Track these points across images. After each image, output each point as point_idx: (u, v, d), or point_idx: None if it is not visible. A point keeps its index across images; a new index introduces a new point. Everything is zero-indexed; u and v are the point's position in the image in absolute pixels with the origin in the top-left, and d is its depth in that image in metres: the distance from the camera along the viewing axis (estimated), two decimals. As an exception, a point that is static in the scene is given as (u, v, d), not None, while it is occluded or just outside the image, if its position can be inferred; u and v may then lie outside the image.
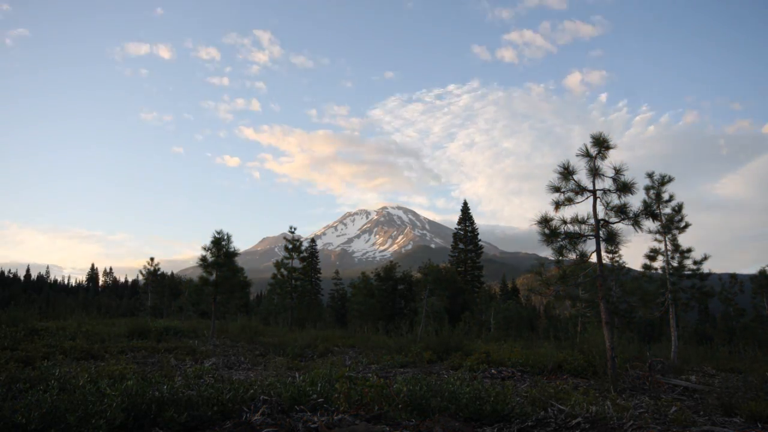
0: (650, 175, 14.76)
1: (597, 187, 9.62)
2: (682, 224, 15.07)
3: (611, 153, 9.43)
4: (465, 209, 49.61)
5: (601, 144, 9.40)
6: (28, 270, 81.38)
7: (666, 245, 15.42)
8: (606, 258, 19.76)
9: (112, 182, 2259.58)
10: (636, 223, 9.48)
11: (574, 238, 9.62)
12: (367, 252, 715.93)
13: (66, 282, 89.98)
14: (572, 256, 9.76)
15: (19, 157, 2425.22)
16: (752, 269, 29.21)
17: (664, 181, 14.71)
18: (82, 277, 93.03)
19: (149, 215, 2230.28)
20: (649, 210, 9.81)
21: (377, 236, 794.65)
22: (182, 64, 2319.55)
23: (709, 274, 16.08)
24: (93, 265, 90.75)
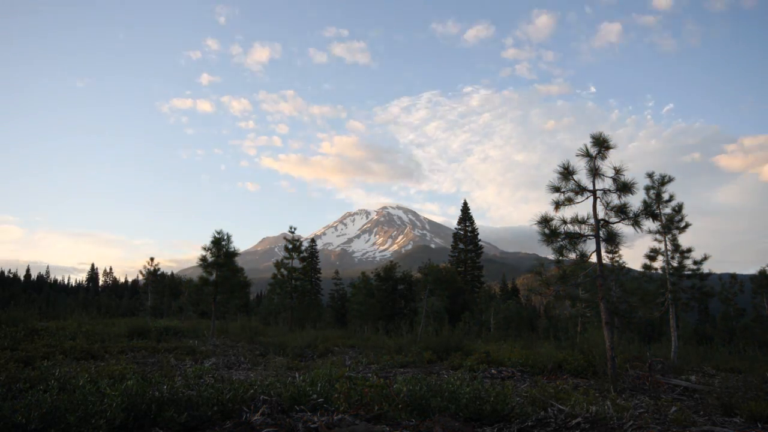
0: (650, 175, 14.73)
1: (597, 187, 9.61)
2: (682, 224, 15.05)
3: (611, 153, 9.43)
4: (465, 209, 49.60)
5: (601, 144, 9.39)
6: (28, 270, 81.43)
7: (666, 245, 15.41)
8: (606, 258, 19.75)
9: (138, 199, 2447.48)
10: (636, 223, 9.47)
11: (574, 238, 9.61)
12: (367, 252, 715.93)
13: (66, 282, 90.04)
14: (572, 256, 9.75)
15: (59, 170, 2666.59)
16: (752, 269, 29.22)
17: (664, 181, 14.67)
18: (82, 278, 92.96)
19: (169, 223, 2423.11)
20: (649, 210, 9.79)
21: (377, 236, 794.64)
22: (218, 114, 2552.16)
23: (709, 274, 16.05)
24: (93, 265, 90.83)
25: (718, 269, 20.17)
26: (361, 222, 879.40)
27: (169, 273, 51.63)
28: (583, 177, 9.66)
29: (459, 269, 47.30)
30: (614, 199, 9.54)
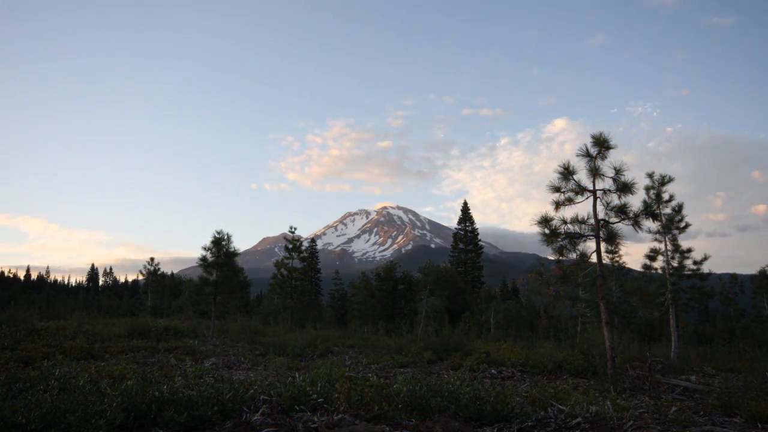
0: (650, 175, 14.74)
1: (597, 187, 9.62)
2: (682, 224, 15.06)
3: (611, 153, 9.43)
4: (465, 209, 49.60)
5: (602, 144, 9.39)
6: (28, 270, 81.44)
7: (666, 245, 15.41)
8: (606, 258, 19.75)
9: (138, 199, 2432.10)
10: (636, 223, 9.47)
11: (574, 238, 9.62)
12: (367, 252, 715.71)
13: (66, 282, 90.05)
14: (572, 256, 9.75)
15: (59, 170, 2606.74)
16: (752, 269, 29.22)
17: (665, 181, 14.68)
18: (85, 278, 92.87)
19: (169, 223, 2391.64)
20: (649, 210, 9.80)
21: (377, 236, 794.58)
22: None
23: (709, 274, 16.05)
24: (93, 265, 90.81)
25: (719, 269, 20.18)
26: (361, 222, 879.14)
27: (169, 273, 51.67)
28: (583, 177, 9.67)
29: (459, 269, 47.30)
30: (614, 199, 9.56)
